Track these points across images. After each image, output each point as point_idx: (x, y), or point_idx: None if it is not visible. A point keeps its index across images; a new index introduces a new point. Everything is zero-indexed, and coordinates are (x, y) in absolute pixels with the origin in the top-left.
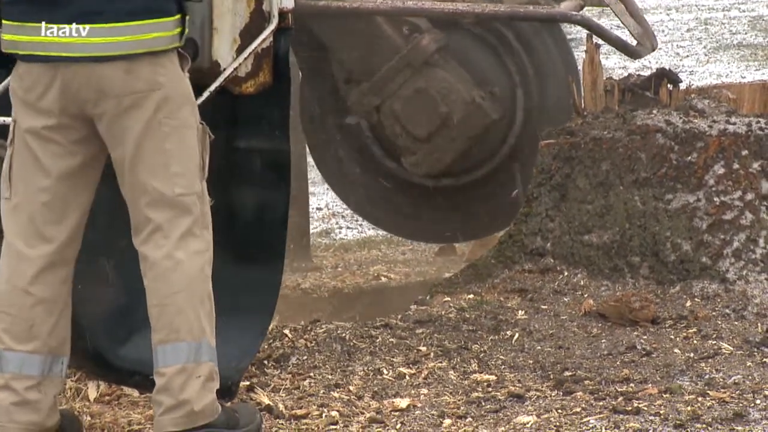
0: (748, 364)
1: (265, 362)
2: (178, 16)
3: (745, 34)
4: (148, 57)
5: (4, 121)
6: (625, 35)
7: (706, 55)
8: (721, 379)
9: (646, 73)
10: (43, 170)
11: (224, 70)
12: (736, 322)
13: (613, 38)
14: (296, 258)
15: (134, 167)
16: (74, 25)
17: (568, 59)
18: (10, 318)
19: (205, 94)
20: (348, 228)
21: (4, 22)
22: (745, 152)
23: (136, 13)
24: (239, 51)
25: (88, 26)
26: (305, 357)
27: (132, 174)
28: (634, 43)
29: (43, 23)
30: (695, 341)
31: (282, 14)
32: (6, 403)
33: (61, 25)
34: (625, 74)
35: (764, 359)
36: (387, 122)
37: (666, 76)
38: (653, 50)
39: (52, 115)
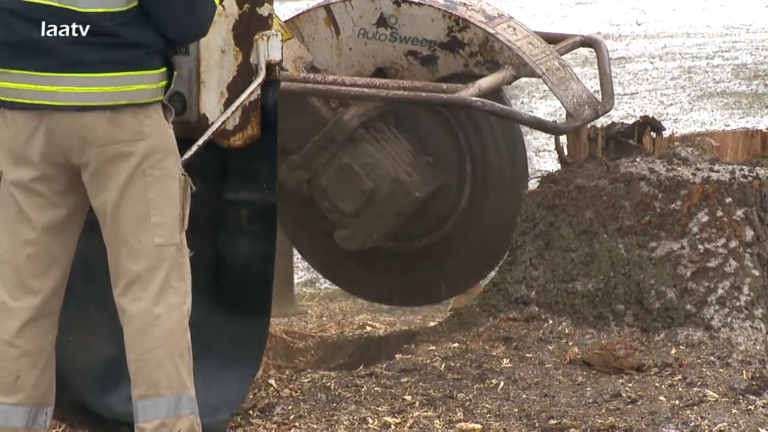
0: (734, 411)
1: (250, 412)
2: (163, 69)
3: (729, 82)
4: (133, 108)
5: None
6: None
7: (689, 103)
8: (707, 427)
9: (630, 121)
10: (28, 222)
11: (212, 123)
12: (721, 370)
13: (525, 119)
14: (282, 304)
15: (116, 216)
16: (59, 74)
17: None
18: None
19: (194, 148)
20: (319, 282)
21: None
22: (728, 200)
23: (120, 64)
24: (227, 104)
25: (72, 75)
26: (290, 406)
27: (113, 222)
28: (566, 115)
29: (29, 71)
30: (680, 389)
31: (269, 67)
32: None
33: (46, 74)
34: (609, 122)
35: (749, 407)
36: (317, 196)
37: (649, 124)
38: (596, 118)
39: (36, 165)
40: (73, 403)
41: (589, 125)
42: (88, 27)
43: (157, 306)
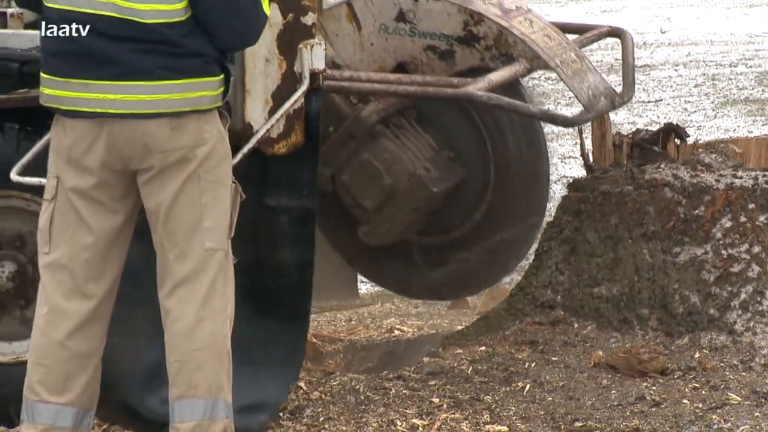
0: (756, 414)
1: (281, 414)
2: (221, 77)
3: (752, 89)
4: (194, 114)
5: (39, 182)
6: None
7: (713, 110)
8: (729, 429)
9: (654, 128)
10: (86, 229)
11: (257, 131)
12: (744, 373)
13: (533, 112)
14: (346, 297)
15: (168, 218)
16: (121, 82)
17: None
18: (45, 369)
19: (239, 156)
20: (362, 281)
21: (44, 76)
22: (752, 206)
23: (181, 72)
24: (271, 112)
25: (134, 83)
26: (320, 409)
27: (165, 225)
28: (580, 109)
29: (87, 80)
30: (704, 392)
31: (313, 75)
32: None
33: (108, 82)
34: (634, 129)
35: None
36: (340, 192)
37: (674, 131)
38: (612, 109)
39: (96, 173)
40: (118, 403)
41: (614, 132)
42: (149, 36)
43: (202, 309)
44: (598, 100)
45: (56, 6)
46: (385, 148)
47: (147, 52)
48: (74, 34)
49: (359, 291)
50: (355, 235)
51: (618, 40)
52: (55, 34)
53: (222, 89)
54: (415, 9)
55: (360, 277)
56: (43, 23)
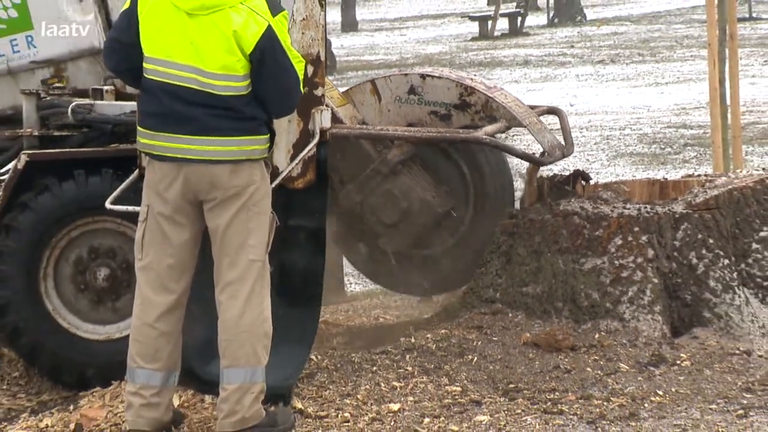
0: (639, 378)
1: (300, 378)
2: (268, 135)
3: (635, 146)
4: (248, 162)
5: (126, 209)
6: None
7: (608, 161)
8: (620, 390)
9: (566, 173)
10: (168, 242)
11: (281, 172)
12: (630, 349)
13: (518, 152)
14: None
15: (224, 236)
16: (197, 137)
17: (502, 166)
18: (140, 344)
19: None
20: (356, 283)
21: (140, 129)
22: (636, 229)
23: (241, 131)
24: (292, 158)
25: (206, 138)
26: (326, 375)
27: (221, 241)
28: (545, 153)
29: (173, 133)
30: (602, 362)
31: (322, 132)
32: (137, 405)
33: (187, 136)
34: (551, 174)
35: (650, 376)
36: (366, 213)
37: (580, 175)
38: (564, 157)
39: (175, 201)
40: (186, 369)
41: (537, 175)
42: (219, 104)
43: (245, 304)
44: (554, 150)
45: (153, 78)
46: (403, 181)
47: (217, 116)
48: (164, 100)
49: (349, 292)
50: (366, 248)
51: (556, 116)
52: (150, 100)
53: (268, 145)
54: (422, 84)
55: (350, 279)
56: (142, 92)
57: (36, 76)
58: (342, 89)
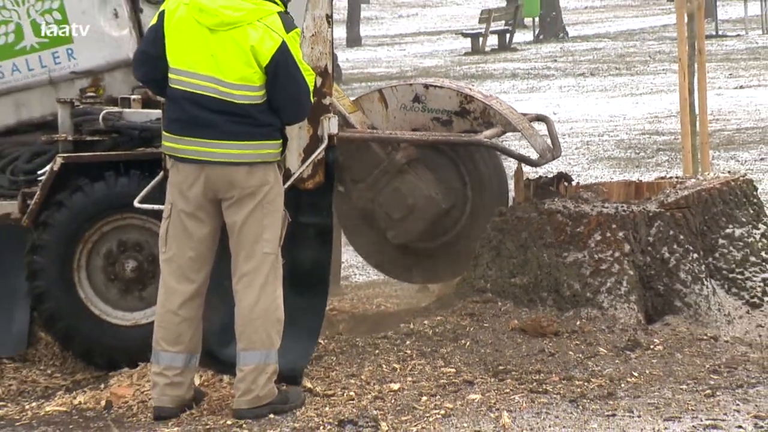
0: (617, 361)
1: (310, 360)
2: (281, 140)
3: (613, 151)
4: (263, 164)
5: (152, 208)
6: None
7: (588, 164)
8: (599, 371)
9: (550, 175)
10: (190, 236)
11: (293, 174)
12: (608, 335)
13: (515, 155)
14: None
15: (241, 231)
16: (217, 141)
17: (498, 168)
18: (164, 329)
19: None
20: (360, 275)
21: (165, 133)
22: (614, 226)
23: (258, 136)
24: (303, 161)
25: (226, 142)
26: (333, 357)
27: (238, 236)
28: (537, 156)
29: (195, 137)
30: (582, 347)
31: (330, 137)
32: (162, 384)
33: (208, 140)
34: (537, 176)
35: (627, 359)
36: (377, 209)
37: (563, 177)
38: (554, 159)
39: (196, 199)
40: (206, 352)
41: (525, 177)
42: (237, 111)
43: (259, 293)
44: (546, 153)
45: (177, 87)
46: (409, 179)
47: (235, 122)
48: (187, 107)
49: (353, 283)
50: (375, 240)
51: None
52: (174, 107)
53: (281, 149)
54: (426, 93)
55: (354, 271)
56: (167, 100)
57: (75, 85)
58: (351, 98)
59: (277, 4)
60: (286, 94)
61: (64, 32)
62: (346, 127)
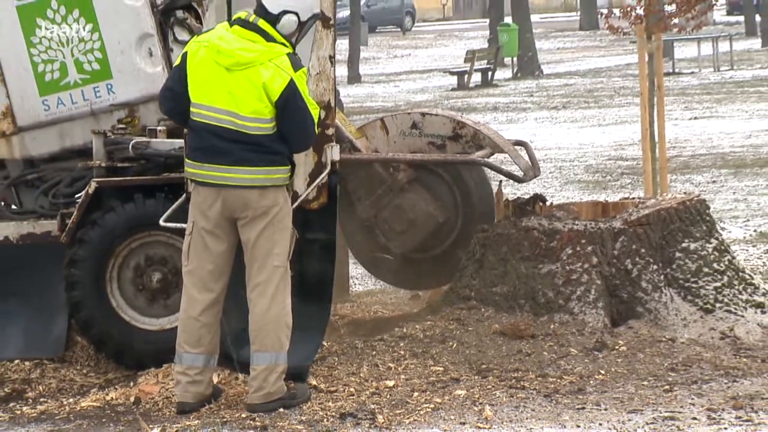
0: (586, 360)
1: (315, 360)
2: (289, 166)
3: (582, 175)
4: (273, 188)
5: (176, 226)
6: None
7: (560, 186)
8: (570, 369)
9: (527, 196)
10: (209, 251)
11: (300, 196)
12: (579, 337)
13: (505, 171)
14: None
15: (254, 247)
16: (232, 167)
17: (485, 188)
18: (186, 333)
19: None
20: (359, 285)
21: (188, 160)
22: (583, 241)
23: (269, 162)
24: (308, 185)
25: (241, 167)
26: (335, 357)
27: (252, 250)
28: (521, 173)
29: (214, 164)
30: (555, 348)
31: (333, 163)
32: (184, 382)
33: (225, 166)
34: (515, 197)
35: (595, 359)
36: (380, 223)
37: (538, 198)
38: (535, 177)
39: (215, 218)
40: (223, 353)
41: (504, 198)
42: (251, 141)
43: (270, 301)
44: (528, 171)
45: (198, 120)
46: (410, 197)
47: (249, 150)
48: (207, 137)
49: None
50: (377, 251)
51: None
52: (195, 137)
53: (290, 174)
54: (423, 120)
55: (354, 281)
56: (189, 130)
57: (114, 116)
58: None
59: (286, 46)
60: (294, 126)
61: (104, 69)
62: (353, 151)
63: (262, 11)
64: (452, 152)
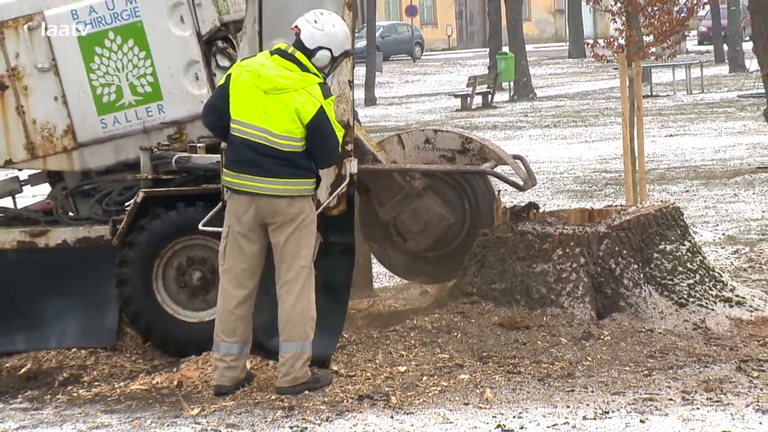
0: (575, 348)
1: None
2: (314, 179)
3: (571, 185)
4: (301, 197)
5: (213, 230)
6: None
7: (551, 195)
8: (561, 356)
9: (522, 204)
10: (243, 252)
11: (322, 204)
12: (568, 328)
13: (509, 180)
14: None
15: (283, 249)
16: (265, 178)
17: (489, 193)
18: (223, 325)
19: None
20: (376, 282)
21: (226, 170)
22: (572, 243)
23: (297, 175)
24: (330, 194)
25: (272, 179)
26: (353, 346)
27: (281, 252)
28: (522, 183)
29: (249, 174)
30: (548, 337)
31: (351, 176)
32: (221, 367)
33: (259, 177)
34: (512, 205)
35: (582, 347)
36: (399, 225)
37: (532, 205)
38: (533, 186)
39: (248, 224)
40: (255, 342)
41: (502, 206)
42: (282, 156)
43: (297, 297)
44: (528, 181)
45: (237, 135)
46: (425, 201)
47: (280, 164)
48: (243, 150)
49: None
50: (393, 249)
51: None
52: (233, 150)
53: (315, 185)
54: (435, 137)
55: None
56: (228, 144)
57: (164, 133)
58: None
59: (318, 77)
60: (320, 146)
61: (155, 92)
62: (375, 162)
63: (300, 45)
64: (461, 164)
